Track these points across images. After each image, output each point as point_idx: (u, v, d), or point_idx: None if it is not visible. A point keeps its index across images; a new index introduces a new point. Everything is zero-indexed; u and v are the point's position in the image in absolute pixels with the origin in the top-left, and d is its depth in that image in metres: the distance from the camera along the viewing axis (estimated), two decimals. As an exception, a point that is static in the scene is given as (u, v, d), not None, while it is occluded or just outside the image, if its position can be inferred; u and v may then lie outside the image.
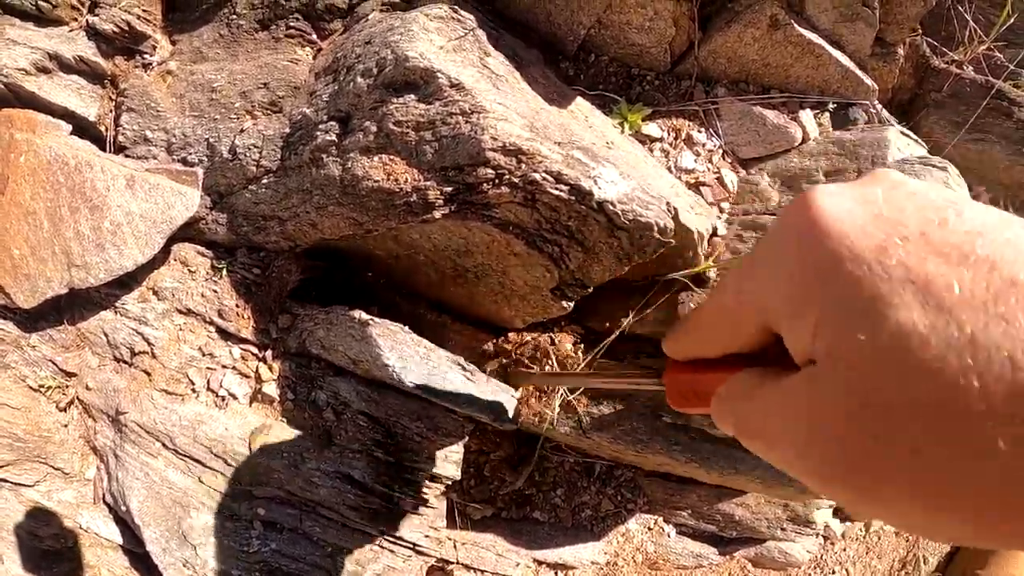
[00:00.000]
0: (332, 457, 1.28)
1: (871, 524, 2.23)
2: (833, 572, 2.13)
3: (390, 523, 1.30)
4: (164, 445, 1.31)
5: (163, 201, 1.31)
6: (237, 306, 1.36)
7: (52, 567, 1.35)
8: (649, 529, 1.90)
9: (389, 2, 1.23)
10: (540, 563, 1.76)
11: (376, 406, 1.30)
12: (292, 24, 1.29)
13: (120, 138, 1.39)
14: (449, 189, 1.06)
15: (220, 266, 1.37)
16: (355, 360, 1.26)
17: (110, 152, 1.41)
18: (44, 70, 1.36)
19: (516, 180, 1.02)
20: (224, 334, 1.37)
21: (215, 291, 1.37)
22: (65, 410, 1.39)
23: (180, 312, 1.37)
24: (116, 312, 1.39)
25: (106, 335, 1.38)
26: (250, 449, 1.28)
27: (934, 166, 1.13)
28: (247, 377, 1.35)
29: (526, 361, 1.35)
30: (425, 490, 1.31)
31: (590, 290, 1.20)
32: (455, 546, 1.60)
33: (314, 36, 1.30)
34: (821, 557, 2.13)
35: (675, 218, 1.09)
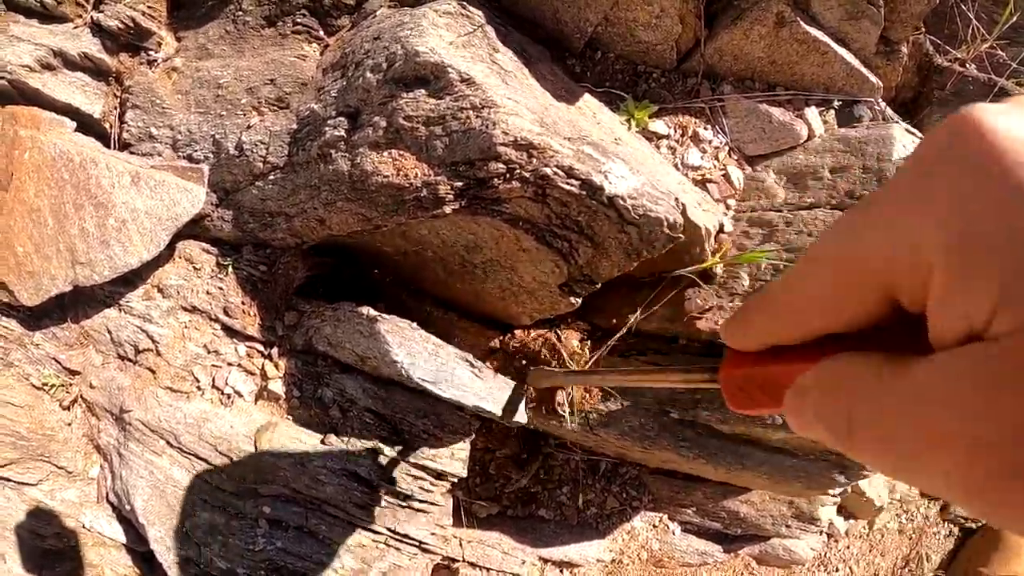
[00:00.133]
0: (338, 454, 1.27)
1: (874, 522, 2.23)
2: (837, 570, 2.14)
3: (396, 521, 1.30)
4: (169, 443, 1.30)
5: (168, 198, 1.30)
6: (243, 303, 1.36)
7: (54, 566, 1.34)
8: (654, 527, 1.90)
9: (397, -2, 1.23)
10: (546, 561, 1.76)
11: (383, 403, 1.29)
12: (299, 20, 1.29)
13: (125, 135, 1.39)
14: (460, 184, 1.06)
15: (226, 263, 1.36)
16: (362, 357, 1.25)
17: (115, 149, 1.40)
18: (48, 67, 1.36)
19: (527, 175, 1.02)
20: (230, 331, 1.36)
21: (220, 288, 1.36)
22: (68, 408, 1.38)
23: (185, 309, 1.37)
24: (120, 310, 1.38)
25: (110, 333, 1.37)
26: (256, 447, 1.27)
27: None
28: (253, 374, 1.35)
29: (544, 356, 1.34)
30: (431, 488, 1.31)
31: (598, 286, 1.20)
32: (461, 544, 1.59)
33: (321, 32, 1.30)
34: (825, 555, 2.13)
35: (684, 214, 1.09)
